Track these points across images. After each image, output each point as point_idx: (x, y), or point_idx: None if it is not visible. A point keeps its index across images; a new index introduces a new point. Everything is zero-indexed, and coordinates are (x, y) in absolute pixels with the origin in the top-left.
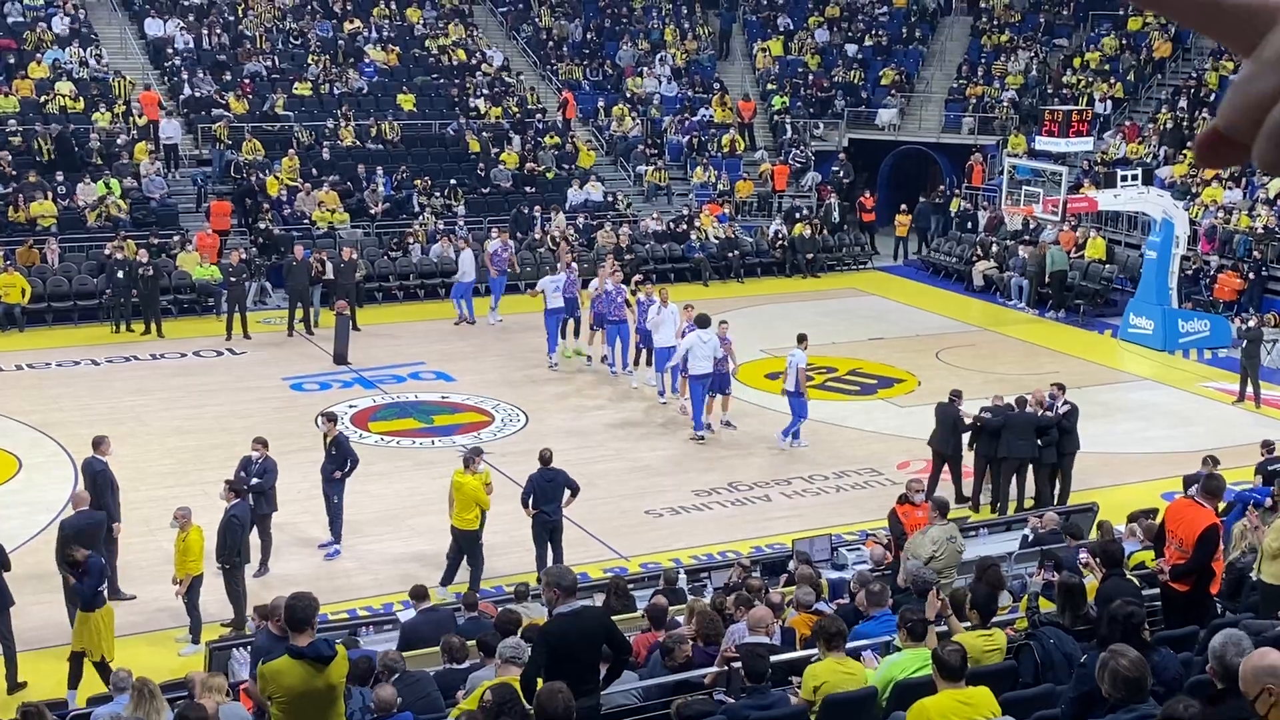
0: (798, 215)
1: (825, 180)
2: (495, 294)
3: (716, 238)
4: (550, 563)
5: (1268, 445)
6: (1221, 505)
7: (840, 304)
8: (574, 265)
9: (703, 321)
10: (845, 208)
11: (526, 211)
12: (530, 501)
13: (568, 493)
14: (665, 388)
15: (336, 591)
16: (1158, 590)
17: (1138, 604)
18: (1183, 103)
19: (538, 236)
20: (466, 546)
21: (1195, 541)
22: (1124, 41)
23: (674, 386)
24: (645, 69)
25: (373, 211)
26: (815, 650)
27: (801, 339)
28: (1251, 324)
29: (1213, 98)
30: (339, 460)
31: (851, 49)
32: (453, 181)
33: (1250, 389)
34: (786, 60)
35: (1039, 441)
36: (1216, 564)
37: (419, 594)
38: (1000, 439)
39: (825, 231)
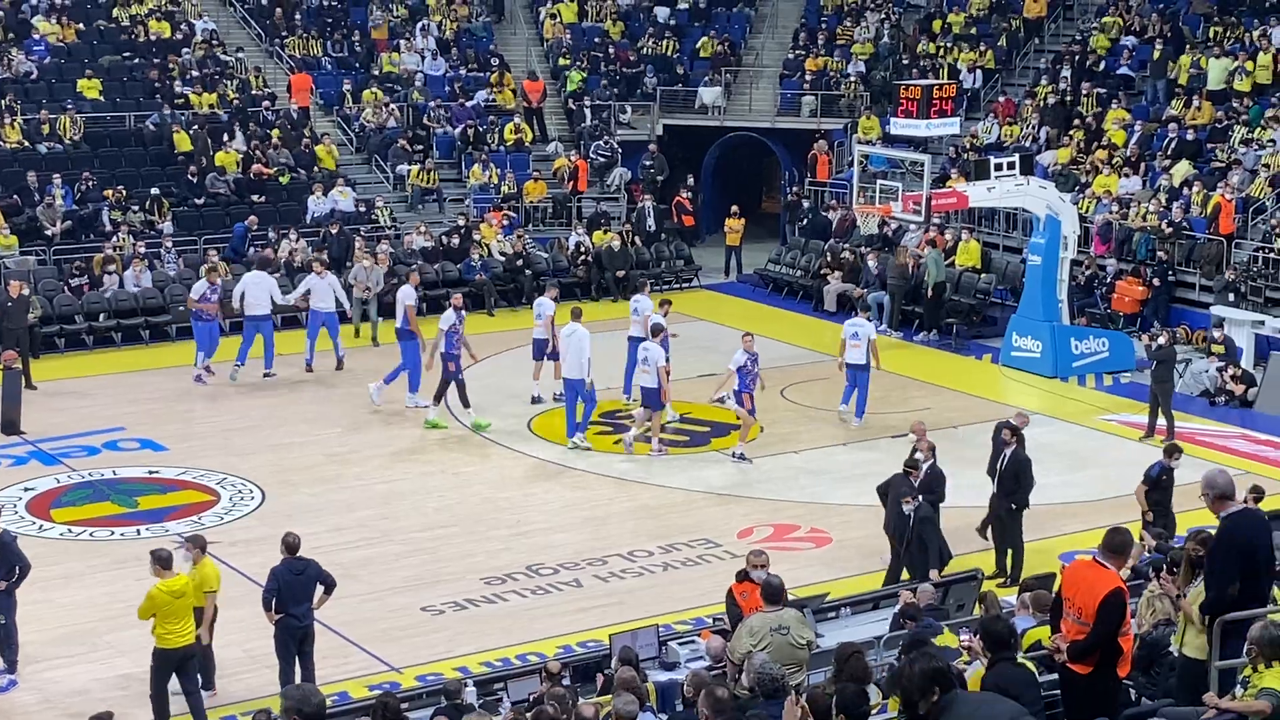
0: (603, 222)
1: (635, 178)
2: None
3: (502, 254)
4: (299, 679)
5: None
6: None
7: None
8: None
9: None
10: (662, 212)
11: (360, 233)
12: (274, 603)
13: (320, 589)
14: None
15: None
16: (1057, 675)
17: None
18: (1066, 72)
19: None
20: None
21: (1095, 611)
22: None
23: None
24: (402, 41)
25: (49, 233)
26: None
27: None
28: (1160, 341)
29: (1101, 65)
30: (3, 568)
31: (663, 13)
32: (155, 191)
33: (1161, 420)
34: (582, 28)
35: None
36: (1124, 639)
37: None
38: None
39: (639, 242)
